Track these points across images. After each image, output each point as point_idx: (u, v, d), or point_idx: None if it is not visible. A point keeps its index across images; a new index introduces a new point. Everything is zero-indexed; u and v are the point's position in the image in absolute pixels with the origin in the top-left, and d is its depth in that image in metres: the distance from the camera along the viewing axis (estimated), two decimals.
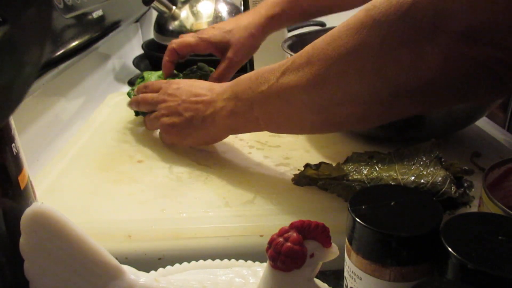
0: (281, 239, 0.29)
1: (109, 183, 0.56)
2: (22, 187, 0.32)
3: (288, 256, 0.28)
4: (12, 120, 0.32)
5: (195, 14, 0.95)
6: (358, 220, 0.30)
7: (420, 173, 0.46)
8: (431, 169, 0.46)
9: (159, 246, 0.45)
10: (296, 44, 0.73)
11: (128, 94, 0.73)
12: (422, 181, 0.45)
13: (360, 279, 0.32)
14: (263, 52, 0.79)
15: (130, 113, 0.74)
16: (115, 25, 0.90)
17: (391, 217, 0.31)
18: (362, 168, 0.49)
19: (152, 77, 0.75)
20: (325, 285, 0.36)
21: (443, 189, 0.44)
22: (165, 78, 0.74)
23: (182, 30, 0.95)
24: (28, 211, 0.29)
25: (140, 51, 1.09)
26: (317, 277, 0.31)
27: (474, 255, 0.26)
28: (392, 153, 0.50)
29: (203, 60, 0.78)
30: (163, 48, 0.97)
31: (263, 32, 0.74)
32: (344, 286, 0.34)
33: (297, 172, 0.54)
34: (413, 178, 0.46)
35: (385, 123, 0.45)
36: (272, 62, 0.50)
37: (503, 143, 0.64)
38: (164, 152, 0.63)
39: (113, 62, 1.06)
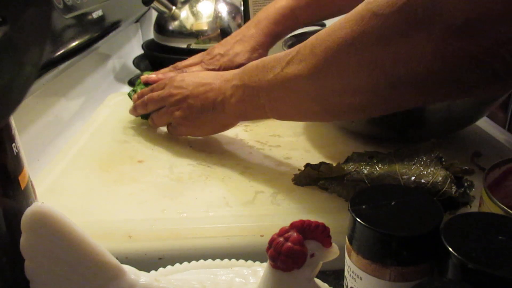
0: (281, 239, 0.29)
1: (110, 183, 0.56)
2: (22, 187, 0.32)
3: (289, 256, 0.28)
4: (13, 120, 0.32)
5: (195, 14, 0.95)
6: (359, 220, 0.30)
7: (420, 173, 0.46)
8: (432, 169, 0.46)
9: (159, 246, 0.45)
10: (296, 44, 0.73)
11: (129, 94, 0.73)
12: (422, 181, 0.45)
13: (361, 279, 0.32)
14: None
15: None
16: (115, 25, 0.90)
17: (392, 217, 0.31)
18: (362, 168, 0.49)
19: None
20: (325, 285, 0.36)
21: (444, 189, 0.44)
22: None
23: (182, 30, 0.95)
24: (28, 211, 0.29)
25: (140, 51, 1.08)
26: (317, 277, 0.31)
27: (474, 255, 0.26)
28: (393, 153, 0.50)
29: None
30: (163, 48, 0.97)
31: (267, 50, 0.77)
32: (345, 286, 0.34)
33: (297, 172, 0.54)
34: (413, 178, 0.46)
35: (386, 113, 0.45)
36: None
37: (503, 143, 0.64)
38: (164, 152, 0.63)
39: (113, 62, 1.06)
